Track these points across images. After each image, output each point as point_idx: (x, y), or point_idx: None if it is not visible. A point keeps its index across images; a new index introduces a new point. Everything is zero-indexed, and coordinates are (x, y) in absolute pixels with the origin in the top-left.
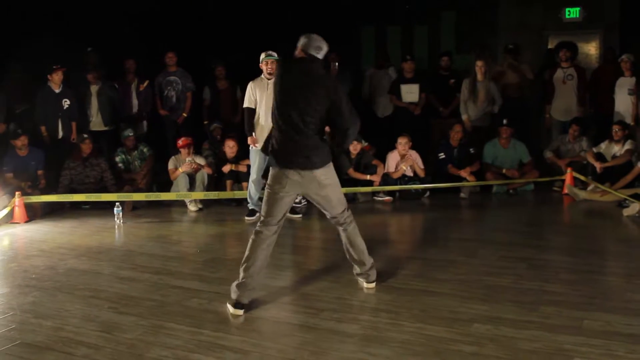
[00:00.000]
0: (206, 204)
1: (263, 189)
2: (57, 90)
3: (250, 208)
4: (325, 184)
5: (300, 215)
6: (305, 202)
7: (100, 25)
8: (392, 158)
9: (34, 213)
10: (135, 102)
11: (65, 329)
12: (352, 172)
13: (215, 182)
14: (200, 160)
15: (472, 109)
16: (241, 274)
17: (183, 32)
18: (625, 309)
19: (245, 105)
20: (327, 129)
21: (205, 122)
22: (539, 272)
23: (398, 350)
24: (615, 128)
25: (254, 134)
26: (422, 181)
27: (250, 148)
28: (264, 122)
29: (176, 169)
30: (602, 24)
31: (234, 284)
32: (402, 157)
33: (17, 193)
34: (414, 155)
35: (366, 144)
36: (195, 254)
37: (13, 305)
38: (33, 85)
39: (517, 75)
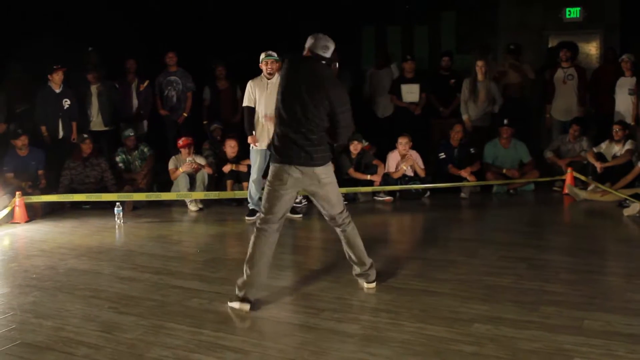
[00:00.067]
0: (206, 203)
1: (263, 188)
2: (57, 90)
3: (250, 208)
4: (325, 183)
5: (300, 215)
6: (306, 202)
7: (100, 25)
8: (393, 158)
9: (34, 213)
10: (135, 102)
11: (65, 329)
12: (352, 172)
13: (216, 182)
14: (201, 160)
15: (472, 109)
16: (246, 272)
17: (183, 32)
18: (625, 309)
19: (245, 104)
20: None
21: (205, 122)
22: (539, 272)
23: (398, 350)
24: (616, 128)
25: (254, 132)
26: (422, 181)
27: (250, 148)
28: (263, 122)
29: (176, 168)
30: (602, 24)
31: (239, 281)
32: (403, 157)
33: (17, 193)
34: (415, 155)
35: (366, 143)
36: (196, 253)
37: (13, 305)
38: (33, 85)
39: (518, 75)
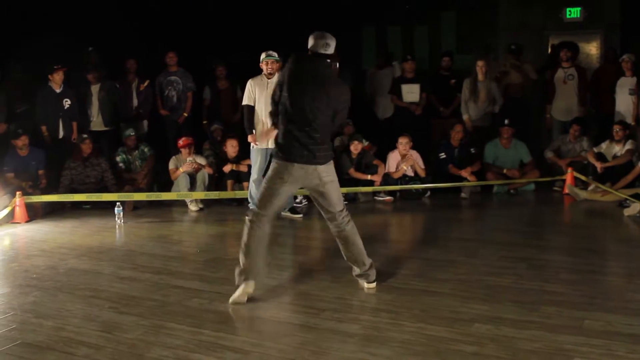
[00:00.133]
0: (207, 203)
1: None
2: (57, 90)
3: (251, 208)
4: (326, 181)
5: (300, 215)
6: (306, 202)
7: (100, 25)
8: (393, 158)
9: (34, 213)
10: (135, 102)
11: (66, 329)
12: (353, 172)
13: (216, 181)
14: (201, 160)
15: (472, 109)
16: (242, 261)
17: (183, 32)
18: (626, 309)
19: (245, 102)
20: None
21: (205, 122)
22: (539, 272)
23: (398, 350)
24: (616, 128)
25: (254, 131)
26: (422, 181)
27: (251, 147)
28: (263, 120)
29: (177, 168)
30: (602, 24)
31: (237, 271)
32: (403, 157)
33: (17, 193)
34: (415, 155)
35: (367, 143)
36: (196, 253)
37: (14, 305)
38: (33, 85)
39: (520, 75)
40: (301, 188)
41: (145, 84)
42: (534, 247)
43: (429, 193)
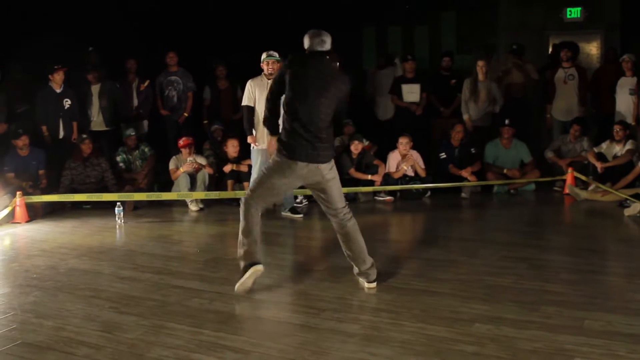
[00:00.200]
0: (207, 203)
1: None
2: (58, 90)
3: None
4: (328, 178)
5: (301, 216)
6: (306, 202)
7: (100, 25)
8: (393, 158)
9: (35, 213)
10: (135, 102)
11: (66, 329)
12: (353, 172)
13: (217, 181)
14: (202, 160)
15: (473, 108)
16: (243, 242)
17: (184, 32)
18: (626, 309)
19: (244, 103)
20: None
21: (205, 122)
22: (539, 272)
23: (399, 350)
24: (617, 128)
25: (254, 132)
26: (423, 181)
27: (251, 147)
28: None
29: (177, 168)
30: (603, 24)
31: (240, 252)
32: (403, 157)
33: (18, 193)
34: (415, 155)
35: (367, 142)
36: (196, 253)
37: (14, 305)
38: (34, 85)
39: (521, 75)
40: (301, 187)
41: (146, 84)
42: (534, 247)
43: (429, 193)
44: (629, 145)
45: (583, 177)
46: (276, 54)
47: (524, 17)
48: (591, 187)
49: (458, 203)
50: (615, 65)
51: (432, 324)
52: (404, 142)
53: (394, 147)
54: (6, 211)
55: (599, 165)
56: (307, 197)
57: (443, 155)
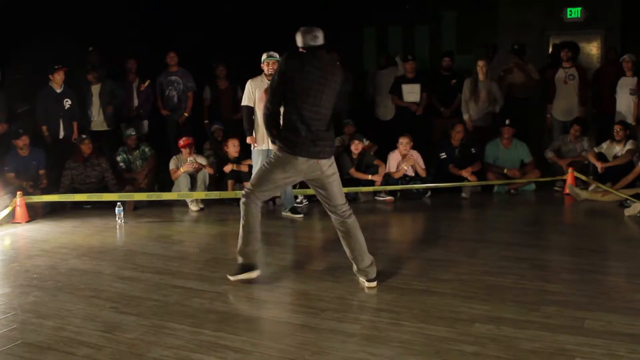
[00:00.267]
0: (207, 203)
1: None
2: (58, 90)
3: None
4: (328, 174)
5: (301, 215)
6: (307, 202)
7: (101, 25)
8: (394, 158)
9: (35, 213)
10: (136, 102)
11: (66, 329)
12: (353, 171)
13: (217, 181)
14: (202, 160)
15: (473, 108)
16: (245, 238)
17: (184, 32)
18: (626, 309)
19: (244, 103)
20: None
21: (206, 122)
22: (540, 272)
23: (399, 350)
24: (617, 128)
25: (254, 133)
26: (423, 181)
27: (252, 148)
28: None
29: (177, 168)
30: (603, 24)
31: (240, 248)
32: (404, 157)
33: (18, 193)
34: (415, 155)
35: (367, 142)
36: (197, 253)
37: (14, 305)
38: (34, 85)
39: (523, 75)
40: (302, 187)
41: (146, 84)
42: (535, 247)
43: (429, 193)
44: (629, 145)
45: (583, 177)
46: (277, 55)
47: (524, 17)
48: (591, 187)
49: (458, 203)
50: (616, 65)
51: (433, 324)
52: (404, 142)
53: (394, 147)
54: (6, 211)
55: (599, 165)
56: (308, 197)
57: (443, 155)
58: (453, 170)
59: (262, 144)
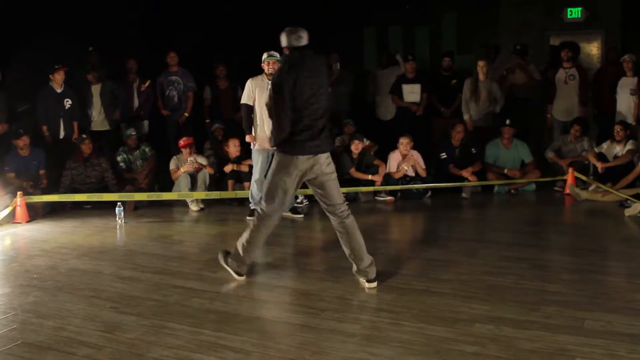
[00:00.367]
0: (208, 203)
1: None
2: (58, 90)
3: (252, 208)
4: (326, 172)
5: (302, 216)
6: (307, 202)
7: (101, 25)
8: (394, 158)
9: (35, 213)
10: (136, 102)
11: (66, 329)
12: (353, 171)
13: (217, 181)
14: (202, 160)
15: (473, 109)
16: (240, 251)
17: (184, 32)
18: (626, 309)
19: (243, 101)
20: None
21: (208, 121)
22: (540, 272)
23: (399, 350)
24: (617, 128)
25: (253, 131)
26: (423, 181)
27: (252, 148)
28: (262, 120)
29: (178, 168)
30: (603, 24)
31: (233, 254)
32: (404, 157)
33: (18, 193)
34: (416, 155)
35: (368, 142)
36: (197, 253)
37: (14, 305)
38: (34, 85)
39: (524, 75)
40: (302, 187)
41: (147, 84)
42: (535, 247)
43: (429, 193)
44: (629, 146)
45: (584, 177)
46: (277, 54)
47: (525, 17)
48: (592, 187)
49: (458, 203)
50: (616, 65)
51: (433, 324)
52: (404, 142)
53: (394, 147)
54: (7, 211)
55: (599, 166)
56: (308, 197)
57: (443, 155)
58: (453, 171)
59: (261, 144)
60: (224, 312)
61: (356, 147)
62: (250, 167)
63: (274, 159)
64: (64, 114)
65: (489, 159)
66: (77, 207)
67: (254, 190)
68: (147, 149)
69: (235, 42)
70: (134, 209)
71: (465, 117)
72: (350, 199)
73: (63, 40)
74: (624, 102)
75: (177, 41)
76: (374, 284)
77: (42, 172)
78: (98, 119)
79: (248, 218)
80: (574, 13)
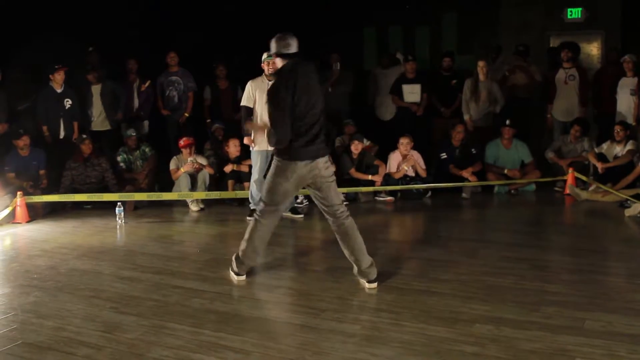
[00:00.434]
0: (208, 204)
1: None
2: (59, 90)
3: (252, 208)
4: (324, 175)
5: (302, 216)
6: (307, 203)
7: (101, 25)
8: (394, 158)
9: (35, 213)
10: (136, 102)
11: (66, 329)
12: (353, 172)
13: (217, 182)
14: (202, 160)
15: (474, 109)
16: (240, 253)
17: (184, 32)
18: (626, 309)
19: (243, 103)
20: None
21: (208, 121)
22: (540, 273)
23: (399, 350)
24: (617, 128)
25: (252, 133)
26: (423, 181)
27: (251, 149)
28: (261, 122)
29: (178, 169)
30: (603, 25)
31: (234, 256)
32: (404, 157)
33: (19, 193)
34: (416, 156)
35: (368, 142)
36: (197, 254)
37: (14, 305)
38: (34, 85)
39: (525, 76)
40: (302, 188)
41: (147, 84)
42: (535, 247)
43: (429, 193)
44: (629, 146)
45: (584, 178)
46: None
47: (525, 17)
48: (592, 188)
49: (459, 203)
50: (616, 65)
51: (433, 325)
52: (404, 143)
53: (394, 147)
54: (7, 211)
55: (599, 166)
56: (308, 198)
57: (444, 155)
58: (453, 171)
59: (260, 145)
60: (224, 312)
61: (356, 147)
62: (251, 167)
63: (272, 163)
64: (64, 114)
65: (489, 159)
66: (77, 207)
67: (253, 190)
68: (147, 149)
69: (235, 42)
70: (134, 209)
71: (466, 117)
72: (350, 199)
73: (63, 40)
74: (624, 103)
75: (177, 41)
76: (375, 285)
77: (42, 172)
78: (98, 119)
79: (248, 218)
80: (574, 13)
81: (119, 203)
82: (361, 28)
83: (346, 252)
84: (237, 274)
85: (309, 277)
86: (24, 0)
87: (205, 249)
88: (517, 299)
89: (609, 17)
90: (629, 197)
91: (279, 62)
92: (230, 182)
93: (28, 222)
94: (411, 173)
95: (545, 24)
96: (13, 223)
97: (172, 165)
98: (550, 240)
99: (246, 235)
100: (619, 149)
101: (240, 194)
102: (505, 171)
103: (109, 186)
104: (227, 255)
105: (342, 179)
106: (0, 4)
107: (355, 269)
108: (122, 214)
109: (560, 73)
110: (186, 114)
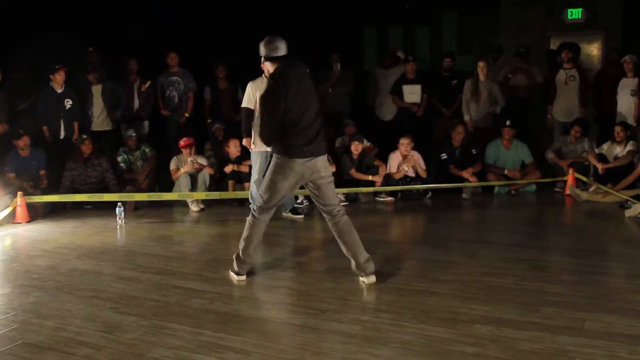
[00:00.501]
0: (208, 204)
1: None
2: (59, 90)
3: (252, 207)
4: (323, 175)
5: (302, 216)
6: (307, 203)
7: (101, 25)
8: (394, 158)
9: (35, 213)
10: (137, 102)
11: (66, 329)
12: (354, 172)
13: (217, 182)
14: (202, 161)
15: (474, 109)
16: (240, 252)
17: (184, 32)
18: (627, 310)
19: (244, 105)
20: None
21: (209, 121)
22: (540, 273)
23: (399, 350)
24: (618, 129)
25: (252, 134)
26: (424, 182)
27: (250, 150)
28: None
29: (178, 169)
30: (604, 25)
31: (234, 256)
32: (404, 157)
33: (19, 193)
34: (416, 156)
35: (368, 144)
36: (197, 254)
37: (15, 305)
38: (34, 85)
39: (526, 77)
40: (302, 188)
41: (147, 84)
42: (535, 248)
43: (430, 194)
44: (629, 147)
45: (584, 178)
46: None
47: (525, 17)
48: (592, 188)
49: (459, 204)
50: (617, 66)
51: (433, 325)
52: (405, 143)
53: (395, 147)
54: (7, 211)
55: (599, 166)
56: (308, 198)
57: (444, 155)
58: (454, 171)
59: (260, 146)
60: (224, 312)
61: (356, 148)
62: (251, 167)
63: (271, 161)
64: (64, 114)
65: (489, 160)
66: (77, 207)
67: (253, 190)
68: (147, 150)
69: (235, 42)
70: (134, 209)
71: (466, 117)
72: (351, 199)
73: (63, 40)
74: (625, 103)
75: (177, 41)
76: (373, 278)
77: (42, 172)
78: (98, 119)
79: (248, 218)
80: (575, 14)
81: (119, 203)
82: (361, 28)
83: (343, 248)
84: (238, 274)
85: (309, 278)
86: (24, 0)
87: (206, 249)
88: (517, 300)
89: (609, 17)
90: (629, 198)
91: (269, 66)
92: (230, 183)
93: (28, 222)
94: (411, 173)
95: (546, 24)
96: (13, 223)
97: (172, 166)
98: (551, 240)
99: (244, 234)
100: (619, 150)
101: (240, 194)
102: (506, 172)
103: (109, 186)
104: (227, 256)
105: (343, 180)
106: (0, 4)
107: (353, 263)
108: (123, 214)
109: (561, 74)
110: (186, 114)
